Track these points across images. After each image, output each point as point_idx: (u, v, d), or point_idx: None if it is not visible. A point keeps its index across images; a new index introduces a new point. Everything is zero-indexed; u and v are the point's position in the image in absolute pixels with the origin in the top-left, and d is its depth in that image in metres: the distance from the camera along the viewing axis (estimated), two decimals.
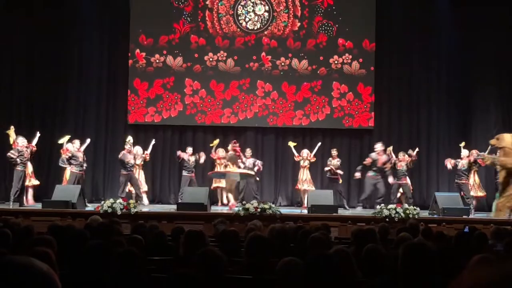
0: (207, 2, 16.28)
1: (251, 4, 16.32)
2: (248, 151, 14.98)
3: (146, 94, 16.15)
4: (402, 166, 14.36)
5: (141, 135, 15.96)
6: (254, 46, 16.28)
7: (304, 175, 14.75)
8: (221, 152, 14.82)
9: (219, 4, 16.31)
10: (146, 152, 14.77)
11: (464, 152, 14.11)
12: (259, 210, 11.83)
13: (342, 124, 16.25)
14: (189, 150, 14.89)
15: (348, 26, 16.24)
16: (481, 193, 14.30)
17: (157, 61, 16.16)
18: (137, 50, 16.11)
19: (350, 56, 16.22)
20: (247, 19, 16.32)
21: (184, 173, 14.73)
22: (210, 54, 16.21)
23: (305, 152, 14.84)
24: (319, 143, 15.33)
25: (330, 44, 16.27)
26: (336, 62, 16.25)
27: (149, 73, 16.13)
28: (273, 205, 12.41)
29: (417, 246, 3.49)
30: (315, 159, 14.91)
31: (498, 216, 12.74)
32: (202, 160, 14.86)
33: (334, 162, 14.95)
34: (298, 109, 16.23)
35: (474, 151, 14.19)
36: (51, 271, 1.47)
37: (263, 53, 16.25)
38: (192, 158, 14.75)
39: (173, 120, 16.20)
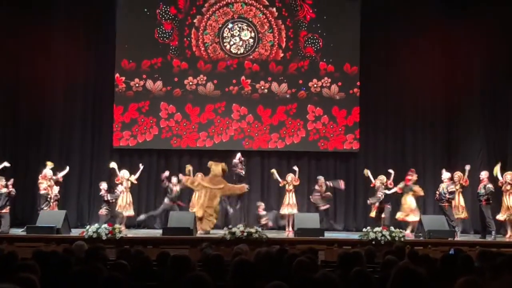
0: (192, 31, 16.35)
1: (238, 29, 16.42)
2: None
3: (121, 118, 16.14)
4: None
5: (126, 159, 15.90)
6: (236, 70, 16.35)
7: (289, 199, 14.71)
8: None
9: (204, 34, 16.37)
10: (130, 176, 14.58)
11: (445, 175, 14.13)
12: (245, 234, 11.80)
13: (317, 147, 16.33)
14: (174, 180, 14.82)
15: (331, 45, 16.38)
16: (462, 215, 14.24)
17: (137, 85, 16.17)
18: (117, 75, 16.12)
19: (330, 80, 16.33)
20: (231, 43, 16.40)
21: (166, 200, 14.65)
22: (190, 78, 16.27)
23: (289, 176, 14.83)
24: (295, 169, 15.17)
25: (311, 68, 16.38)
26: (315, 85, 16.36)
27: (129, 97, 16.12)
28: (259, 229, 12.38)
29: (408, 270, 3.48)
30: (299, 181, 14.89)
31: None
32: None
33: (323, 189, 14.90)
34: (274, 132, 16.29)
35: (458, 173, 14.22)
36: None
37: (243, 77, 16.32)
38: (177, 188, 14.66)
39: (148, 144, 16.17)
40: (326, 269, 4.93)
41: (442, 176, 14.19)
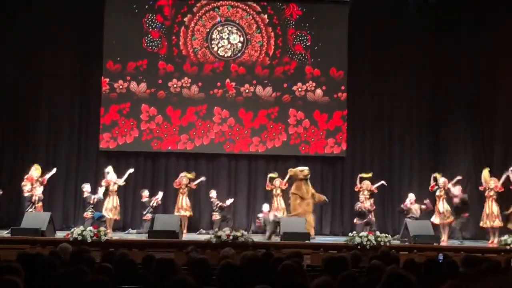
0: (179, 37, 16.34)
1: (227, 32, 16.42)
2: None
3: (102, 120, 16.11)
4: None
5: (113, 162, 15.84)
6: (222, 73, 16.35)
7: (277, 203, 14.76)
8: (184, 180, 14.80)
9: (192, 39, 16.36)
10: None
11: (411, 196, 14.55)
12: (231, 237, 11.78)
13: (299, 151, 16.36)
14: (146, 193, 14.96)
15: (320, 44, 16.45)
16: (449, 220, 14.28)
17: (121, 87, 16.12)
18: (101, 76, 16.10)
19: (314, 84, 16.36)
20: (220, 45, 16.40)
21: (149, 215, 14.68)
22: (175, 80, 16.23)
23: (277, 180, 14.86)
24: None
25: (297, 71, 16.42)
26: (300, 89, 16.39)
27: (113, 99, 16.08)
28: (245, 233, 12.38)
29: (398, 275, 3.49)
30: (287, 186, 14.92)
31: None
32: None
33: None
34: (255, 136, 16.30)
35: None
36: None
37: (228, 80, 16.31)
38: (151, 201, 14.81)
39: (128, 146, 16.12)
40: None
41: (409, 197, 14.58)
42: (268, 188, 15.04)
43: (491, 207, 13.55)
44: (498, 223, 13.48)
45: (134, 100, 16.15)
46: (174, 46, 16.33)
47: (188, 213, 14.79)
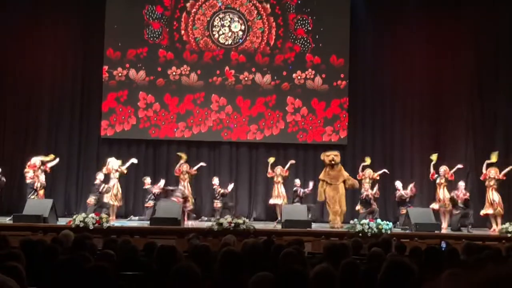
0: (180, 27, 16.28)
1: (229, 19, 16.37)
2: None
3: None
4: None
5: (114, 149, 15.88)
6: (222, 61, 16.31)
7: (277, 190, 14.82)
8: (184, 167, 14.80)
9: (193, 28, 16.30)
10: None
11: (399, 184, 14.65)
12: (232, 225, 11.81)
13: (296, 139, 16.36)
14: (148, 180, 15.07)
15: (322, 29, 16.39)
16: (449, 208, 14.29)
17: (120, 74, 16.10)
18: (102, 64, 16.10)
19: (313, 72, 16.34)
20: (221, 32, 16.35)
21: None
22: (174, 68, 16.20)
23: (278, 168, 14.90)
24: (292, 161, 15.36)
25: (298, 59, 16.38)
26: (299, 77, 16.36)
27: (111, 86, 16.07)
28: (247, 220, 12.40)
29: (399, 263, 3.51)
30: (288, 173, 14.95)
31: None
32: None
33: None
34: (253, 124, 16.29)
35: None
36: None
37: (227, 68, 16.27)
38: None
39: (126, 133, 16.12)
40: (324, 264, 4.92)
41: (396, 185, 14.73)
42: (269, 176, 15.08)
43: (492, 195, 13.60)
44: (500, 211, 13.53)
45: (133, 87, 16.12)
46: (175, 37, 16.28)
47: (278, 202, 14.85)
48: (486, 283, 1.12)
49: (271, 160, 15.22)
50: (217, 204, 14.98)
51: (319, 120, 16.37)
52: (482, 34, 16.12)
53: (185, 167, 14.86)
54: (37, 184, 13.41)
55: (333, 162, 13.81)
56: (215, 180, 15.22)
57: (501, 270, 1.14)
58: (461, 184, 14.03)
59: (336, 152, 14.12)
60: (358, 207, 14.53)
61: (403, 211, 14.06)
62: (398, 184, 14.74)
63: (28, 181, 13.52)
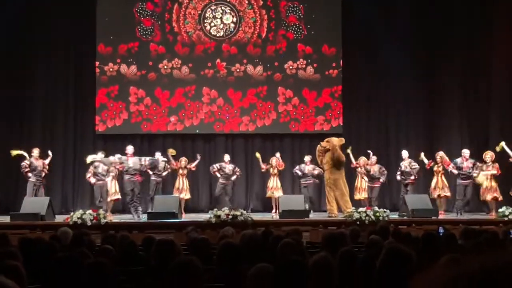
0: (172, 23, 16.25)
1: (220, 11, 16.33)
2: (227, 157, 14.96)
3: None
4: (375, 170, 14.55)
5: (110, 144, 15.87)
6: (214, 53, 16.27)
7: (273, 182, 14.79)
8: (183, 162, 14.78)
9: (185, 23, 16.26)
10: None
11: (405, 154, 14.50)
12: (230, 217, 11.83)
13: (289, 129, 16.36)
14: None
15: (313, 16, 16.40)
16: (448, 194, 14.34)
17: (111, 69, 16.06)
18: (95, 59, 16.07)
19: (305, 61, 16.31)
20: (212, 24, 16.32)
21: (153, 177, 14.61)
22: (165, 61, 16.17)
23: (273, 159, 14.87)
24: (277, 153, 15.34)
25: (289, 49, 16.35)
26: (291, 67, 16.35)
27: (103, 82, 16.03)
28: (244, 212, 12.42)
29: (398, 250, 3.52)
30: (283, 166, 14.92)
31: None
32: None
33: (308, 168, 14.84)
34: (245, 115, 16.28)
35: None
36: None
37: (218, 60, 16.24)
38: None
39: (118, 129, 16.10)
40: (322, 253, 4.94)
41: (402, 155, 14.47)
42: (263, 170, 15.02)
43: (490, 182, 13.66)
44: (497, 195, 13.61)
45: (124, 82, 16.09)
46: (167, 32, 16.24)
47: (188, 196, 14.79)
48: (481, 273, 1.12)
49: (258, 155, 15.13)
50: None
51: (310, 110, 16.38)
52: (473, 18, 16.09)
53: (184, 162, 14.76)
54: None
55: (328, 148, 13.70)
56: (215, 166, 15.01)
57: (496, 260, 1.14)
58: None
59: (327, 139, 14.05)
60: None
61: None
62: (405, 153, 14.59)
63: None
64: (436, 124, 16.52)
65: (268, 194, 14.91)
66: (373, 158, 14.61)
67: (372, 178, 14.45)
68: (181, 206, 14.19)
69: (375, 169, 14.48)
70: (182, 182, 14.66)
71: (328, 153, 13.74)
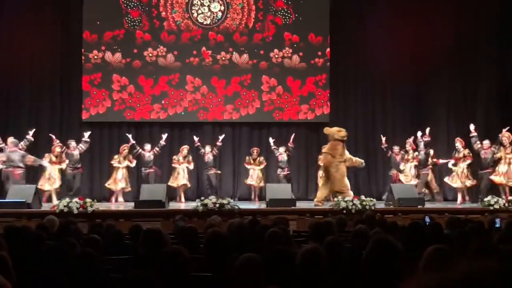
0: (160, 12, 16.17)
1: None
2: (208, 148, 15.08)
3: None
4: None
5: (96, 132, 15.83)
6: (200, 41, 16.22)
7: (255, 171, 15.06)
8: (185, 151, 14.88)
9: (173, 12, 16.16)
10: None
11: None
12: (217, 205, 11.83)
13: (273, 118, 16.38)
14: (148, 147, 14.93)
15: (301, 2, 16.37)
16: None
17: (95, 57, 15.97)
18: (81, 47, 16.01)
19: (291, 50, 16.30)
20: (200, 12, 16.24)
21: (142, 169, 14.75)
22: (150, 49, 16.11)
23: (254, 150, 15.14)
24: (271, 139, 15.46)
25: (276, 38, 16.33)
26: (276, 56, 16.33)
27: (87, 69, 15.95)
28: (231, 200, 12.43)
29: (385, 241, 3.54)
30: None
31: None
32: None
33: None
34: (228, 104, 16.27)
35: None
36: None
37: (204, 48, 16.19)
38: (150, 154, 14.76)
39: (101, 116, 16.06)
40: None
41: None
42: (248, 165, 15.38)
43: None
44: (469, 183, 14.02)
45: (108, 70, 16.01)
46: (155, 18, 16.14)
47: (183, 183, 14.94)
48: (464, 281, 1.13)
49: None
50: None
51: (294, 99, 16.38)
52: (462, 7, 16.14)
53: (185, 151, 14.85)
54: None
55: (345, 139, 13.55)
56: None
57: (473, 268, 1.15)
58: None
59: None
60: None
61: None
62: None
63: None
64: (423, 112, 16.53)
65: (248, 182, 15.16)
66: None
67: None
68: (181, 194, 14.75)
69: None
70: (178, 171, 14.79)
71: (335, 145, 13.54)
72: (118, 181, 14.70)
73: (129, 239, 6.29)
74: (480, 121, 15.43)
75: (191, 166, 15.05)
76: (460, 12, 16.19)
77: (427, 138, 14.53)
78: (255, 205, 14.30)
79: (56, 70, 16.10)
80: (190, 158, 14.98)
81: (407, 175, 14.60)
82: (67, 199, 11.98)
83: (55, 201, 13.18)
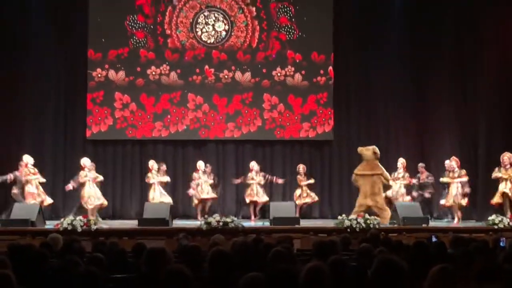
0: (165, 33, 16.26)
1: (213, 18, 16.32)
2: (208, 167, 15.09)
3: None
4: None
5: (100, 150, 15.86)
6: (204, 60, 16.26)
7: (255, 189, 15.01)
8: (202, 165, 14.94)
9: (177, 32, 16.24)
10: None
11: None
12: (221, 224, 11.81)
13: (274, 136, 16.35)
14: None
15: (305, 19, 16.41)
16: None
17: (99, 75, 16.02)
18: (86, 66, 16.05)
19: (293, 68, 16.35)
20: (204, 30, 16.30)
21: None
22: (153, 67, 16.14)
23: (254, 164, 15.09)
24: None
25: (279, 56, 16.37)
26: (279, 74, 16.37)
27: (90, 87, 15.98)
28: (235, 218, 12.41)
29: (390, 262, 3.52)
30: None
31: None
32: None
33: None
34: (230, 121, 16.27)
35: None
36: None
37: (207, 66, 16.25)
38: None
39: (103, 135, 16.05)
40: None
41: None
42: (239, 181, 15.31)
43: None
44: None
45: (111, 88, 16.03)
46: (162, 45, 16.19)
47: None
48: None
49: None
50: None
51: (296, 117, 16.38)
52: (460, 19, 16.15)
53: (203, 166, 14.91)
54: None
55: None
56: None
57: None
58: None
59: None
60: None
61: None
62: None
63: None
64: (426, 129, 16.50)
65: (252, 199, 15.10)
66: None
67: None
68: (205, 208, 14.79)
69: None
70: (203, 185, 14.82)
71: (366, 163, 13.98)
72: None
73: (132, 257, 6.27)
74: (482, 137, 15.43)
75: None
76: (459, 24, 16.18)
77: (431, 179, 14.81)
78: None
79: (60, 88, 16.12)
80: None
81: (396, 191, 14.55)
82: (71, 217, 11.99)
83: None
